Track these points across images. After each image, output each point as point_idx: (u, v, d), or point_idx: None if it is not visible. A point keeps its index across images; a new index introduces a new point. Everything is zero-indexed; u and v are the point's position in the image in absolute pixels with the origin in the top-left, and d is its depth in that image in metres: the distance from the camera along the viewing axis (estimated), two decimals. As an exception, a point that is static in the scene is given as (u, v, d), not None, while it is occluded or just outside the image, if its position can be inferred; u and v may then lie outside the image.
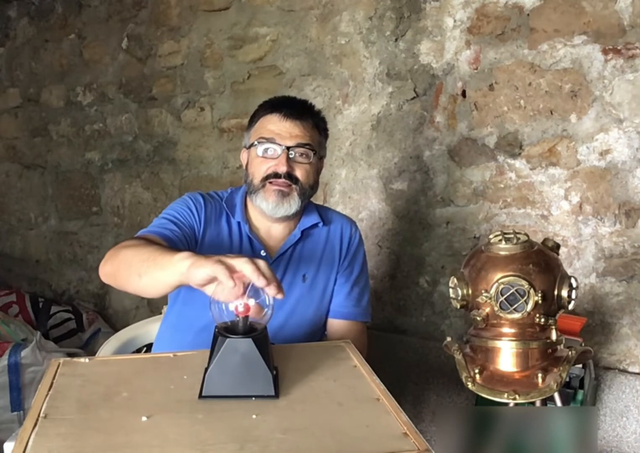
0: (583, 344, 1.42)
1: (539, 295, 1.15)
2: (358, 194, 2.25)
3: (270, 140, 1.41)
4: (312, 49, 2.30)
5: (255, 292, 1.04)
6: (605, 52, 1.72)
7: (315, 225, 1.53)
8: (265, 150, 1.42)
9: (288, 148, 1.40)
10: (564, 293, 1.18)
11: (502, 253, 1.20)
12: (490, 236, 1.24)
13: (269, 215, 1.45)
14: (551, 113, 1.83)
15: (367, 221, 2.25)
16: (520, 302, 1.16)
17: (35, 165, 3.47)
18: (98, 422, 0.92)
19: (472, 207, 2.01)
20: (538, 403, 1.26)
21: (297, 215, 1.50)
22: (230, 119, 2.58)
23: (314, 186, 1.48)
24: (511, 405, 1.21)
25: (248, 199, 1.50)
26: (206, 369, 1.02)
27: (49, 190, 3.42)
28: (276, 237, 1.50)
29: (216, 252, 1.40)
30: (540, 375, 1.17)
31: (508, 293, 1.16)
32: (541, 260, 1.18)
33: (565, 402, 1.39)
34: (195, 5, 2.61)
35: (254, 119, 1.49)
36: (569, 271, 1.74)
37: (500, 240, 1.21)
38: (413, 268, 2.17)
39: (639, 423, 1.74)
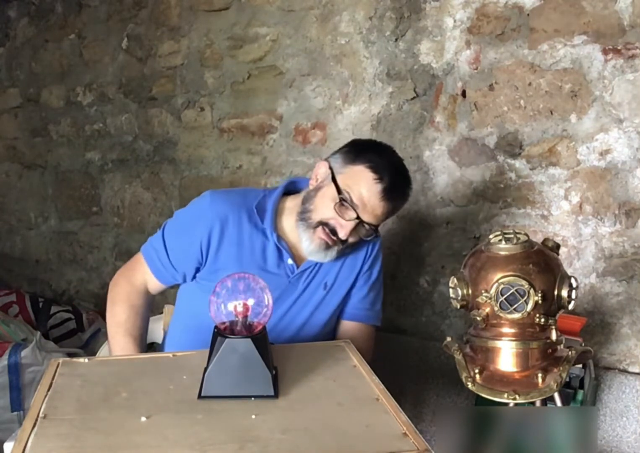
0: (583, 344, 1.42)
1: (539, 295, 1.15)
2: (358, 194, 2.25)
3: (353, 206, 1.38)
4: (312, 49, 2.30)
5: (254, 292, 1.04)
6: (605, 52, 1.72)
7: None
8: (341, 207, 1.39)
9: (361, 222, 1.39)
10: (564, 293, 1.18)
11: (502, 253, 1.20)
12: (490, 236, 1.24)
13: (304, 252, 1.45)
14: (551, 113, 1.83)
15: (367, 221, 2.25)
16: (520, 302, 1.16)
17: (35, 165, 3.47)
18: (97, 422, 0.92)
19: (472, 207, 2.00)
20: (538, 403, 1.26)
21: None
22: (230, 119, 2.58)
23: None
24: (511, 405, 1.20)
25: (294, 220, 1.47)
26: (205, 369, 1.02)
27: (49, 190, 3.42)
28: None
29: (237, 256, 1.44)
30: (540, 375, 1.17)
31: (508, 293, 1.16)
32: (541, 260, 1.18)
33: (565, 402, 1.39)
34: (195, 5, 2.61)
35: (360, 157, 1.43)
36: (569, 271, 1.74)
37: (500, 240, 1.21)
38: (413, 268, 2.17)
39: (639, 423, 1.74)
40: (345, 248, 1.46)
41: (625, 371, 1.78)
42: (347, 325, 1.56)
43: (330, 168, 1.46)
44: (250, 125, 2.52)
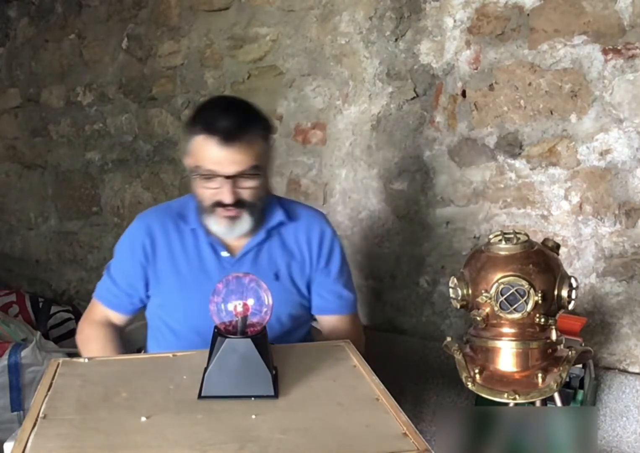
0: (583, 344, 1.42)
1: (539, 295, 1.15)
2: (358, 194, 2.25)
3: (210, 171, 1.33)
4: (312, 49, 2.30)
5: (254, 293, 1.04)
6: (605, 52, 1.72)
7: (281, 223, 1.49)
8: (206, 179, 1.35)
9: (231, 177, 1.33)
10: (564, 293, 1.18)
11: (502, 253, 1.20)
12: (490, 236, 1.24)
13: (224, 238, 1.43)
14: (551, 113, 1.83)
15: (367, 221, 2.25)
16: (520, 302, 1.16)
17: (35, 165, 3.47)
18: (97, 422, 0.92)
19: (472, 207, 2.00)
20: (538, 403, 1.26)
21: (260, 216, 1.45)
22: (230, 119, 2.58)
23: (264, 196, 1.43)
24: (511, 405, 1.21)
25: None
26: (205, 369, 1.02)
27: (49, 190, 3.42)
28: (242, 237, 1.45)
29: (172, 266, 1.45)
30: (540, 375, 1.17)
31: (508, 293, 1.16)
32: (541, 260, 1.18)
33: (565, 402, 1.39)
34: (195, 5, 2.61)
35: (192, 129, 1.37)
36: (569, 271, 1.74)
37: (500, 240, 1.21)
38: (413, 268, 2.17)
39: (639, 423, 1.74)
40: (259, 206, 1.41)
41: (625, 371, 1.78)
42: (324, 320, 1.54)
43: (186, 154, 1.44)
44: (250, 125, 2.52)
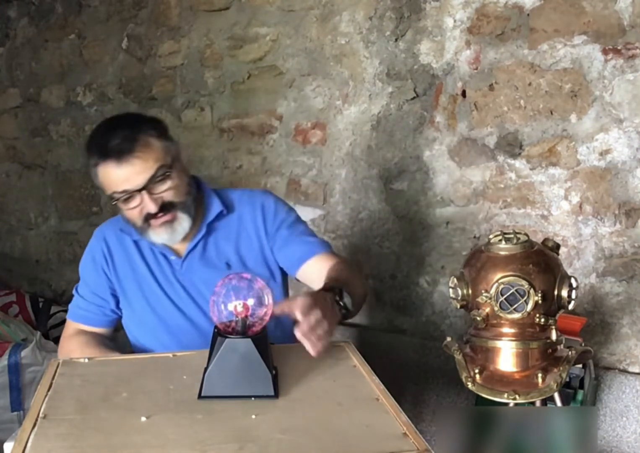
0: (583, 344, 1.42)
1: (539, 295, 1.15)
2: (358, 194, 2.25)
3: (123, 192, 1.33)
4: (312, 49, 2.30)
5: (254, 292, 1.04)
6: (605, 52, 1.72)
7: (221, 214, 1.47)
8: (125, 201, 1.35)
9: (143, 188, 1.32)
10: (564, 293, 1.18)
11: (502, 253, 1.20)
12: (490, 236, 1.24)
13: (170, 244, 1.43)
14: (551, 113, 1.83)
15: (367, 221, 2.25)
16: (520, 302, 1.16)
17: (35, 165, 3.46)
18: (97, 422, 0.92)
19: (472, 207, 2.00)
20: (538, 403, 1.26)
21: (198, 210, 1.45)
22: (230, 119, 2.58)
23: (190, 190, 1.42)
24: (511, 405, 1.20)
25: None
26: (205, 369, 1.02)
27: (49, 190, 3.41)
28: (184, 237, 1.45)
29: (133, 280, 1.47)
30: (540, 375, 1.17)
31: (508, 293, 1.16)
32: (541, 260, 1.18)
33: (565, 402, 1.39)
34: (195, 5, 2.61)
35: (90, 164, 1.39)
36: (569, 271, 1.74)
37: (500, 240, 1.21)
38: (413, 268, 2.17)
39: (639, 423, 1.74)
40: (189, 201, 1.40)
41: (625, 371, 1.78)
42: (304, 271, 1.47)
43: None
44: (250, 125, 2.52)
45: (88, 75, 3.10)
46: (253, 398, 0.99)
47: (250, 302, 1.03)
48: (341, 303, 1.20)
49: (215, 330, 1.04)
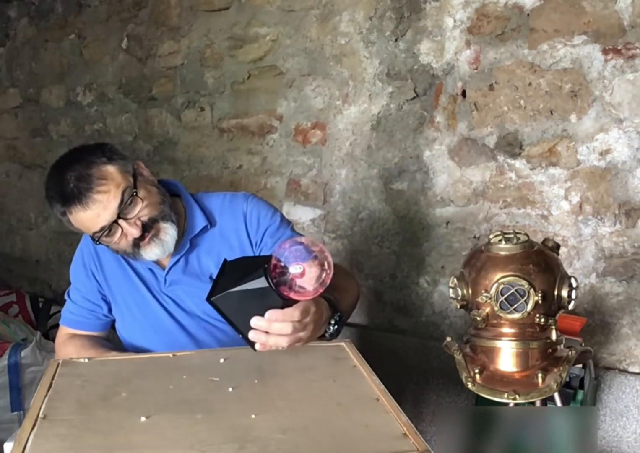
0: (583, 344, 1.41)
1: (539, 295, 1.15)
2: (358, 194, 2.25)
3: (101, 230, 1.31)
4: (312, 49, 2.29)
5: (321, 272, 1.03)
6: (605, 52, 1.72)
7: (205, 229, 1.46)
8: (108, 236, 1.33)
9: (118, 218, 1.30)
10: (564, 293, 1.18)
11: (502, 253, 1.20)
12: (490, 236, 1.24)
13: (165, 257, 1.41)
14: (551, 113, 1.83)
15: (367, 221, 2.25)
16: (520, 302, 1.16)
17: (35, 165, 3.47)
18: (97, 422, 0.92)
19: (472, 207, 2.00)
20: (538, 403, 1.26)
21: (180, 222, 1.43)
22: (230, 119, 2.58)
23: (163, 198, 1.40)
24: (511, 405, 1.20)
25: None
26: (227, 280, 1.06)
27: (49, 190, 3.41)
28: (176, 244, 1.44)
29: (120, 285, 1.48)
30: (540, 375, 1.17)
31: (508, 293, 1.16)
32: (541, 260, 1.18)
33: (565, 402, 1.39)
34: (195, 5, 2.61)
35: (58, 214, 1.35)
36: (569, 271, 1.74)
37: (500, 240, 1.21)
38: (413, 268, 2.17)
39: (639, 423, 1.74)
40: (167, 212, 1.38)
41: (625, 371, 1.78)
42: None
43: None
44: (250, 125, 2.52)
45: (88, 75, 3.10)
46: (239, 336, 1.06)
47: (313, 272, 1.01)
48: (331, 328, 1.20)
49: (265, 265, 1.03)
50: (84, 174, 1.29)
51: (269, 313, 1.03)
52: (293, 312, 1.05)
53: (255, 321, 1.04)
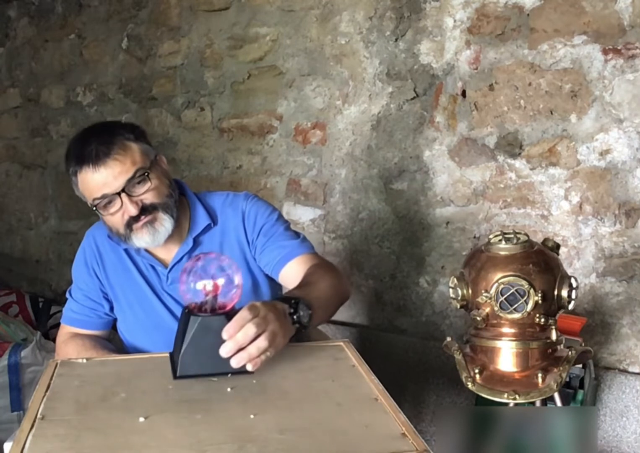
0: (583, 344, 1.41)
1: (539, 295, 1.15)
2: (358, 194, 2.25)
3: (103, 197, 1.32)
4: (312, 49, 2.29)
5: (224, 272, 1.03)
6: (605, 52, 1.72)
7: (208, 228, 1.46)
8: (106, 206, 1.34)
9: (122, 190, 1.31)
10: (564, 293, 1.18)
11: (502, 253, 1.20)
12: (490, 236, 1.24)
13: (154, 247, 1.42)
14: (551, 113, 1.83)
15: (367, 221, 2.25)
16: (520, 302, 1.16)
17: (35, 165, 3.47)
18: (96, 422, 0.91)
19: (472, 207, 2.00)
20: (538, 403, 1.26)
21: (184, 220, 1.45)
22: (230, 119, 2.58)
23: (171, 192, 1.40)
24: (511, 405, 1.20)
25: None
26: (173, 353, 1.03)
27: (49, 190, 3.42)
28: (171, 248, 1.45)
29: (122, 284, 1.47)
30: (540, 375, 1.16)
31: (508, 293, 1.16)
32: (541, 260, 1.18)
33: (565, 402, 1.39)
34: (195, 5, 2.61)
35: (70, 175, 1.37)
36: (569, 271, 1.74)
37: (500, 240, 1.21)
38: (413, 268, 2.16)
39: (639, 423, 1.74)
40: (171, 203, 1.39)
41: (625, 371, 1.78)
42: (284, 275, 1.43)
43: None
44: (250, 125, 2.52)
45: (88, 75, 3.10)
46: (229, 375, 1.00)
47: (220, 281, 1.02)
48: (294, 316, 1.13)
49: (186, 310, 1.03)
50: (107, 140, 1.32)
51: (224, 333, 0.98)
52: (241, 315, 1.00)
53: (223, 350, 0.99)
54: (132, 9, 2.85)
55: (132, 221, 1.34)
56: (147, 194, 1.34)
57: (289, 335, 1.09)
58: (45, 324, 3.03)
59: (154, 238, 1.37)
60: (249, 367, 1.00)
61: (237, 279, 1.04)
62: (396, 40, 2.09)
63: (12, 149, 3.59)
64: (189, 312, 1.02)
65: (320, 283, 1.30)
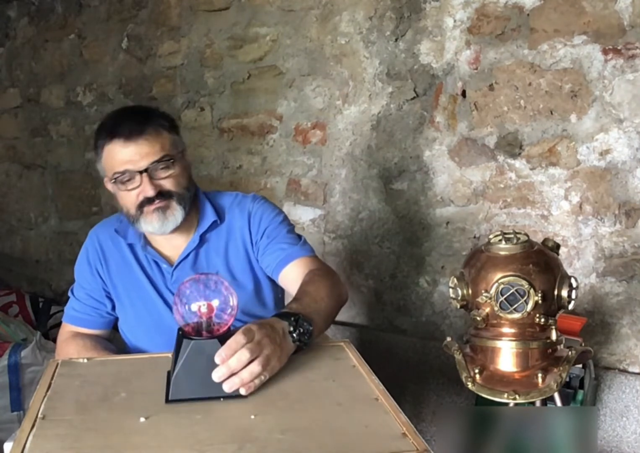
0: (583, 344, 1.42)
1: (539, 295, 1.15)
2: (358, 194, 2.25)
3: (125, 172, 1.34)
4: (312, 49, 2.29)
5: (219, 293, 1.03)
6: (605, 52, 1.72)
7: (214, 224, 1.47)
8: (125, 182, 1.36)
9: (145, 170, 1.33)
10: (564, 293, 1.18)
11: (502, 253, 1.20)
12: (490, 236, 1.24)
13: (159, 234, 1.42)
14: (551, 113, 1.83)
15: (367, 221, 2.25)
16: (520, 302, 1.16)
17: (35, 165, 3.47)
18: (96, 422, 0.92)
19: (472, 207, 2.00)
20: (538, 403, 1.26)
21: (193, 217, 1.46)
22: (230, 119, 2.58)
23: (189, 186, 1.44)
24: (511, 405, 1.20)
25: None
26: (170, 373, 1.01)
27: (49, 190, 3.42)
28: (177, 245, 1.46)
29: (125, 283, 1.47)
30: (540, 375, 1.17)
31: (508, 293, 1.16)
32: (541, 260, 1.18)
33: (565, 402, 1.39)
34: (195, 5, 2.61)
35: (97, 147, 1.40)
36: (569, 271, 1.74)
37: (500, 240, 1.21)
38: (413, 268, 2.17)
39: (639, 423, 1.74)
40: (187, 196, 1.41)
41: (625, 371, 1.78)
42: (283, 277, 1.44)
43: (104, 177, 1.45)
44: (250, 125, 2.52)
45: (88, 75, 3.10)
46: (222, 399, 0.98)
47: (215, 303, 1.01)
48: (294, 335, 1.11)
49: (180, 332, 1.03)
50: (142, 121, 1.36)
51: (216, 357, 0.98)
52: (235, 339, 0.99)
53: (215, 375, 0.98)
54: (132, 9, 2.85)
55: (145, 202, 1.36)
56: (167, 179, 1.37)
57: (287, 355, 1.09)
58: (45, 324, 3.03)
59: (162, 226, 1.39)
60: (242, 391, 0.99)
61: (233, 300, 1.03)
62: (396, 40, 2.09)
63: (12, 149, 3.59)
64: (182, 335, 1.01)
65: (319, 293, 1.29)
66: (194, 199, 1.49)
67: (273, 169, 2.47)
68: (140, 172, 1.33)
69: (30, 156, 3.49)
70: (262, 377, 1.01)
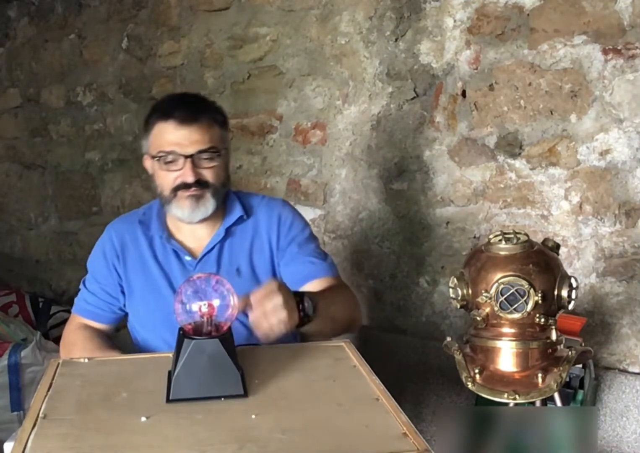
0: (583, 344, 1.42)
1: (539, 295, 1.15)
2: (358, 194, 2.25)
3: (171, 153, 1.37)
4: (312, 49, 2.29)
5: (219, 292, 1.03)
6: (605, 52, 1.72)
7: (240, 219, 1.49)
8: (168, 162, 1.38)
9: (191, 156, 1.36)
10: (564, 293, 1.18)
11: (502, 253, 1.20)
12: (490, 236, 1.24)
13: (187, 221, 1.44)
14: (551, 113, 1.83)
15: (367, 221, 2.25)
16: (520, 302, 1.16)
17: (35, 165, 3.47)
18: (97, 422, 0.92)
19: (472, 207, 2.00)
20: (538, 403, 1.26)
21: (219, 212, 1.47)
22: (230, 119, 2.55)
23: (226, 182, 1.47)
24: (511, 405, 1.20)
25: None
26: (170, 372, 1.01)
27: (49, 190, 3.42)
28: (202, 237, 1.48)
29: (139, 278, 1.47)
30: (540, 375, 1.17)
31: (508, 293, 1.16)
32: (541, 260, 1.18)
33: (565, 402, 1.39)
34: (195, 5, 2.61)
35: (148, 123, 1.42)
36: (569, 271, 1.74)
37: (500, 240, 1.21)
38: (413, 268, 2.17)
39: (639, 423, 1.74)
40: (221, 191, 1.44)
41: (625, 371, 1.78)
42: (306, 287, 1.43)
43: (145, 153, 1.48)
44: (250, 125, 2.52)
45: (88, 75, 3.10)
46: (222, 399, 0.99)
47: (216, 302, 1.02)
48: (300, 305, 1.19)
49: (180, 331, 1.03)
50: (200, 109, 1.40)
51: (252, 297, 1.09)
52: (269, 285, 1.13)
53: (253, 314, 1.08)
54: (132, 9, 2.85)
55: (181, 187, 1.38)
56: (208, 170, 1.39)
57: (296, 320, 1.16)
58: (45, 324, 3.03)
59: (191, 213, 1.41)
60: (262, 338, 1.10)
61: (233, 300, 1.04)
62: (396, 40, 2.09)
63: (12, 149, 3.59)
64: (183, 334, 1.02)
65: (334, 297, 1.35)
66: (225, 195, 1.51)
67: (273, 169, 2.47)
68: (186, 157, 1.36)
69: (30, 156, 3.49)
70: (282, 326, 1.11)
